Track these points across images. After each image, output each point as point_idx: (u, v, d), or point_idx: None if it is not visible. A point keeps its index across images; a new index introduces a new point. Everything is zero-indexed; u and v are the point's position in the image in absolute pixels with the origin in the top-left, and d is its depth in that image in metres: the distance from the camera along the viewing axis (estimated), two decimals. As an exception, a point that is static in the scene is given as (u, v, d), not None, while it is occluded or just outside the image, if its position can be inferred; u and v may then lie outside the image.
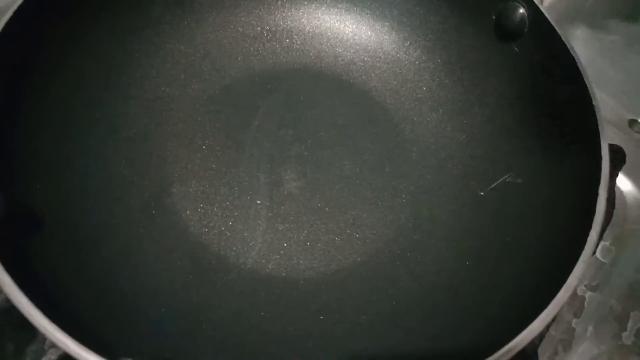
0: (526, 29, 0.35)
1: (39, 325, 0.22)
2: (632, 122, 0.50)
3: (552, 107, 0.33)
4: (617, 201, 0.45)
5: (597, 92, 0.51)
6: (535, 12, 0.34)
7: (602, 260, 0.43)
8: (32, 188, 0.30)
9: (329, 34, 0.42)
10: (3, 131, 0.29)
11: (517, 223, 0.32)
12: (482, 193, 0.35)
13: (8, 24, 0.29)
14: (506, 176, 0.35)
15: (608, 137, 0.48)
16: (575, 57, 0.31)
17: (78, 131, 0.34)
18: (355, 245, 0.34)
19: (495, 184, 0.35)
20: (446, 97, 0.40)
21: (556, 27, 0.32)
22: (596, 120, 0.29)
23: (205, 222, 0.34)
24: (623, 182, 0.47)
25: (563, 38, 0.32)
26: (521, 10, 0.35)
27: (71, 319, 0.25)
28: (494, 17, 0.36)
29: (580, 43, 0.56)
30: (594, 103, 0.29)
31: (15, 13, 0.30)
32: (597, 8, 0.58)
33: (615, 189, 0.45)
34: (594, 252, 0.42)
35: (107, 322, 0.27)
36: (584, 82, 0.30)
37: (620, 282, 0.41)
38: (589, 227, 0.26)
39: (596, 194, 0.27)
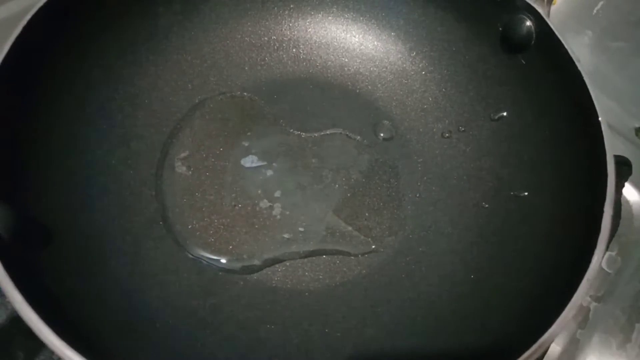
0: (533, 42, 0.34)
1: (48, 342, 0.22)
2: (639, 130, 0.50)
3: (558, 121, 0.33)
4: (623, 211, 0.45)
5: (603, 100, 0.50)
6: (542, 24, 0.34)
7: (608, 270, 0.42)
8: (41, 201, 0.30)
9: (336, 43, 0.42)
10: (12, 144, 0.30)
11: (521, 238, 0.32)
12: (486, 205, 0.35)
13: (20, 36, 0.30)
14: (511, 189, 0.35)
15: (614, 146, 0.48)
16: (582, 72, 0.31)
17: (86, 143, 0.34)
18: (360, 257, 0.34)
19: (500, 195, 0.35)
20: (452, 108, 0.40)
21: (563, 41, 0.32)
22: (602, 135, 0.29)
23: (210, 232, 0.34)
24: (630, 192, 0.46)
25: (570, 52, 0.32)
26: (528, 23, 0.34)
27: (79, 332, 0.25)
28: (500, 29, 0.36)
29: (587, 50, 0.56)
30: (600, 119, 0.29)
31: (26, 25, 0.30)
32: (604, 15, 0.58)
33: (622, 198, 0.45)
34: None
35: (114, 334, 0.28)
36: (590, 97, 0.30)
37: (626, 293, 0.41)
38: (594, 245, 0.26)
39: (602, 211, 0.27)
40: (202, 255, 0.33)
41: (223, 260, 0.33)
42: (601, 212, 0.27)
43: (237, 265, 0.33)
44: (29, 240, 0.28)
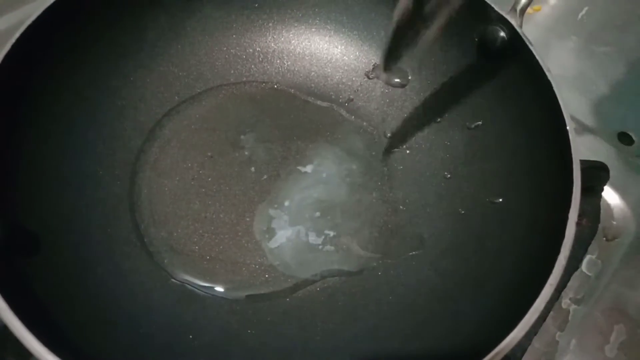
0: (507, 52, 0.35)
1: (32, 349, 0.23)
2: (621, 135, 0.50)
3: (530, 130, 0.34)
4: (603, 214, 0.45)
5: (587, 104, 0.51)
6: (514, 36, 0.34)
7: (588, 273, 0.43)
8: (29, 210, 0.31)
9: (319, 54, 0.43)
10: (1, 154, 0.31)
11: (495, 243, 0.33)
12: (463, 212, 0.36)
13: (11, 50, 0.31)
14: (487, 196, 0.36)
15: (596, 150, 0.48)
16: (552, 83, 0.32)
17: (74, 153, 0.35)
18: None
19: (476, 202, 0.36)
20: (431, 117, 0.41)
21: (534, 51, 0.33)
22: (569, 145, 0.30)
23: (195, 240, 0.36)
24: (610, 195, 0.47)
25: (541, 62, 0.33)
26: (502, 34, 0.35)
27: (64, 338, 0.26)
28: (476, 40, 0.37)
29: (572, 54, 0.57)
30: (567, 128, 0.30)
31: (17, 39, 0.31)
32: (589, 19, 0.59)
33: (602, 202, 0.46)
34: (579, 267, 0.43)
35: (100, 339, 0.29)
36: (559, 107, 0.31)
37: (605, 296, 0.42)
38: (557, 251, 0.27)
39: (566, 218, 0.28)
40: (186, 279, 0.34)
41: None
42: (566, 218, 0.28)
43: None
44: (18, 248, 0.29)
